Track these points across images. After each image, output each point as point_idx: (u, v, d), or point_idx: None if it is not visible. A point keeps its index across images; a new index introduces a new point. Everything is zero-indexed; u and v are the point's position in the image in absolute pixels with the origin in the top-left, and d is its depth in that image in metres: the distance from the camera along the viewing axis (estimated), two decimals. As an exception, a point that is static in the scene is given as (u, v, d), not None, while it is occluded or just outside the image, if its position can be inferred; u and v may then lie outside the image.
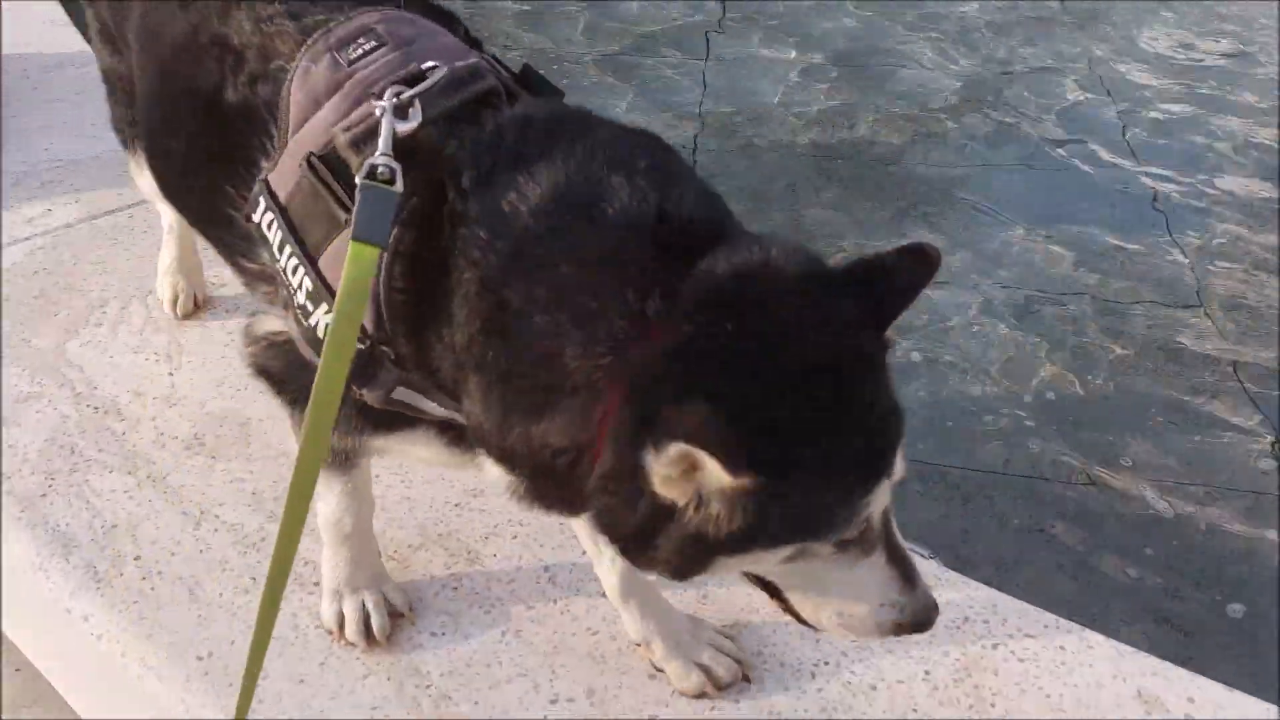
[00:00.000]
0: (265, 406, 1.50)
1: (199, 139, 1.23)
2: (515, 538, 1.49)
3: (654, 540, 0.95)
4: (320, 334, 1.03)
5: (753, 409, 0.87)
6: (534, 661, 1.33)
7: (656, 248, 0.95)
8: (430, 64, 1.07)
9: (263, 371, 1.22)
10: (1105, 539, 2.08)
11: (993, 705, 1.29)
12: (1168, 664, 1.33)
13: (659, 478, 0.89)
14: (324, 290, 1.03)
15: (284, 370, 1.19)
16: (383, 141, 1.00)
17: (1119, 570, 2.01)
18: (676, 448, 0.85)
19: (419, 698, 1.28)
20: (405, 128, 1.01)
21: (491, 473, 1.06)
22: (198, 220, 1.35)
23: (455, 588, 1.42)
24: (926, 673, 1.31)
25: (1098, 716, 1.27)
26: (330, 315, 1.00)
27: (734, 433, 0.85)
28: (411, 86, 1.04)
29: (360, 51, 1.09)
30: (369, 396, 1.07)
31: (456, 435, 1.11)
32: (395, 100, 1.01)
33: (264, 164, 1.12)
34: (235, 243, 1.21)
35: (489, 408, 0.99)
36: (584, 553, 1.38)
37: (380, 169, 0.98)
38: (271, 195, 1.08)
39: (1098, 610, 1.88)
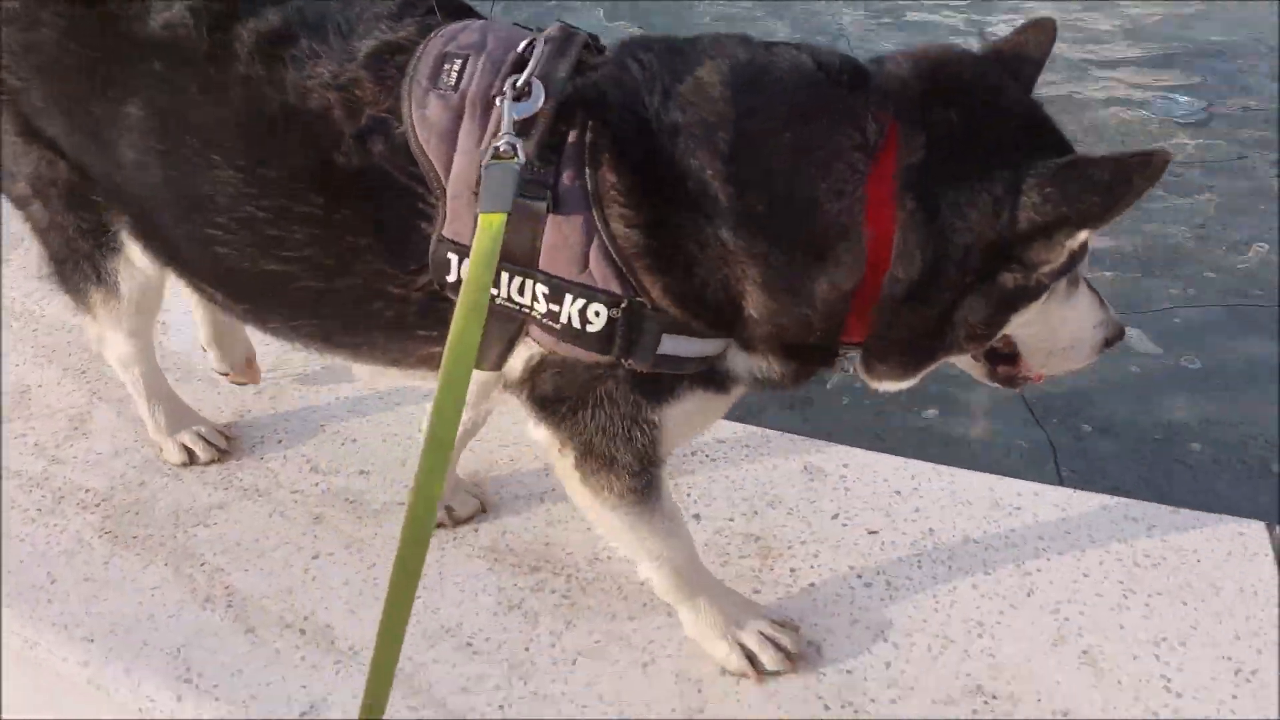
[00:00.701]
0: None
1: (330, 234, 1.13)
2: (280, 441, 1.70)
3: (950, 323, 1.05)
4: (576, 324, 1.06)
5: (1059, 164, 0.99)
6: (296, 531, 1.53)
7: (838, 89, 1.05)
8: (521, 47, 1.09)
9: (542, 400, 1.17)
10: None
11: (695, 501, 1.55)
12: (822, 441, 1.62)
13: (1059, 245, 1.00)
14: (563, 283, 1.05)
15: (557, 387, 1.16)
16: (503, 124, 1.02)
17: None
18: (1059, 223, 0.98)
19: (194, 574, 1.47)
20: (530, 108, 1.03)
21: (742, 370, 1.13)
22: (328, 337, 1.25)
23: (228, 486, 1.61)
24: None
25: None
26: (575, 302, 1.05)
27: (1083, 187, 0.97)
28: (520, 73, 1.05)
29: (454, 76, 1.08)
30: (638, 362, 1.08)
31: (713, 383, 1.15)
32: (513, 89, 1.04)
33: (425, 225, 1.09)
34: (394, 326, 1.16)
35: (775, 285, 1.04)
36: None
37: (503, 148, 1.01)
38: (456, 245, 1.07)
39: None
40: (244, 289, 1.24)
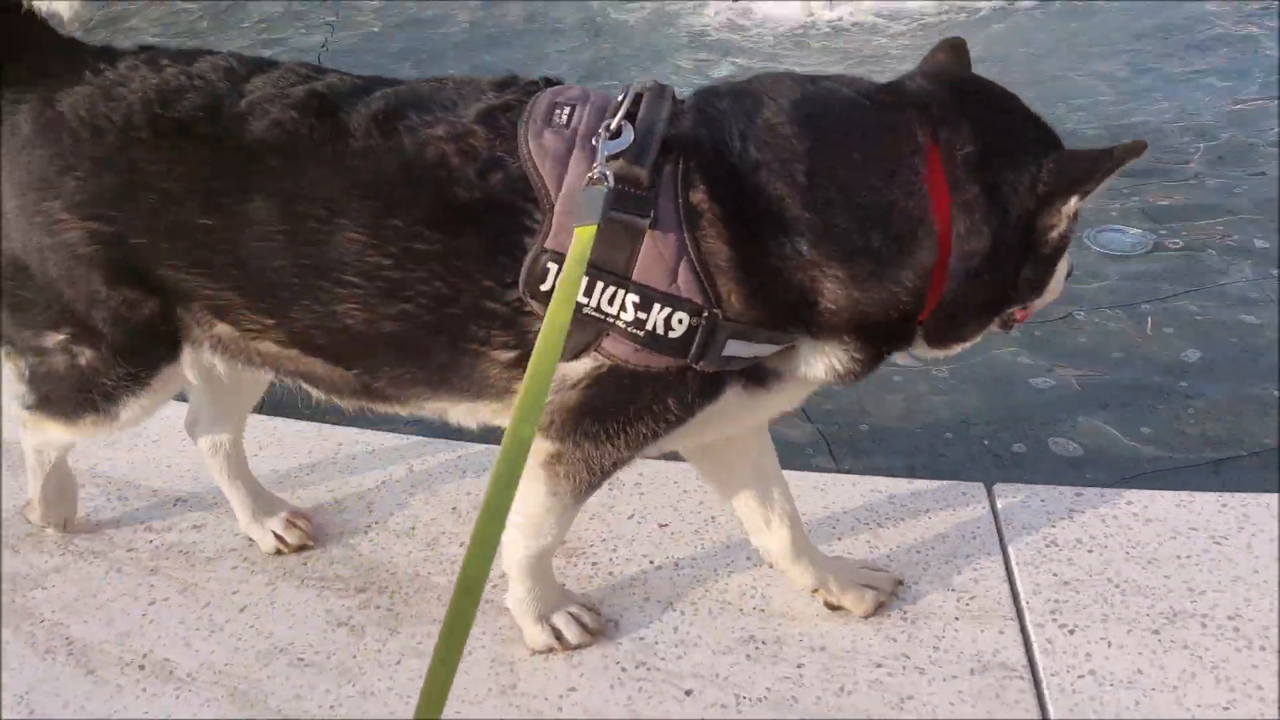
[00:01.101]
0: None
1: (446, 265, 1.26)
2: (114, 506, 1.80)
3: (1016, 283, 1.27)
4: (660, 330, 1.22)
5: (1065, 150, 1.25)
6: (132, 583, 1.64)
7: (881, 110, 1.26)
8: (620, 98, 1.27)
9: (580, 407, 1.30)
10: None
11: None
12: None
13: (1064, 217, 1.23)
14: (654, 293, 1.21)
15: (606, 397, 1.29)
16: (599, 157, 1.20)
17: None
18: (1071, 195, 1.21)
19: (34, 630, 1.55)
20: (619, 145, 1.20)
21: (820, 369, 1.30)
22: (427, 378, 1.36)
23: (64, 551, 1.70)
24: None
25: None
26: (661, 311, 1.21)
27: (1082, 171, 1.22)
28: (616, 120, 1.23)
29: (565, 118, 1.26)
30: (707, 364, 1.24)
31: (754, 381, 1.32)
32: (607, 130, 1.22)
33: (528, 239, 1.23)
34: (490, 340, 1.28)
35: (861, 278, 1.22)
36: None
37: (596, 176, 1.19)
38: (557, 255, 1.21)
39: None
40: (357, 347, 1.35)
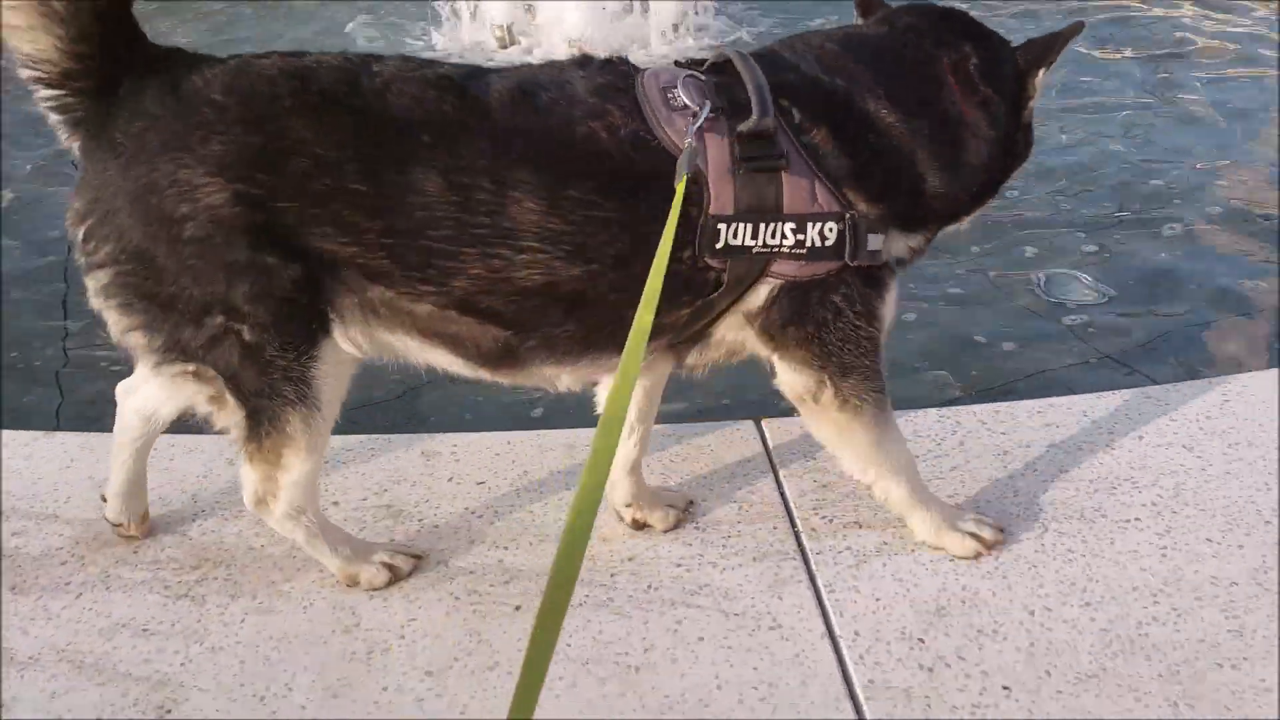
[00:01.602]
0: None
1: (625, 231, 1.42)
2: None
3: (1016, 151, 1.62)
4: (818, 243, 1.46)
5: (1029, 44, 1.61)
6: (-44, 587, 1.65)
7: (905, 40, 1.58)
8: (705, 74, 1.51)
9: (783, 324, 1.53)
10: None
11: (330, 493, 1.86)
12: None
13: (1038, 88, 1.60)
14: (804, 216, 1.46)
15: (794, 309, 1.52)
16: (696, 124, 1.41)
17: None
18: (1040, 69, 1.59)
19: None
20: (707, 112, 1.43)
21: (904, 251, 1.59)
22: (586, 336, 1.50)
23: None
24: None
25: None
26: (814, 228, 1.46)
27: (1045, 49, 1.59)
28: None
29: (680, 102, 1.45)
30: (861, 258, 1.49)
31: (892, 271, 1.58)
32: (710, 105, 1.44)
33: (693, 209, 1.42)
34: (673, 293, 1.41)
35: (948, 165, 1.54)
36: None
37: (689, 142, 1.39)
38: (722, 217, 1.44)
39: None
40: (527, 306, 1.46)
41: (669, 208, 1.34)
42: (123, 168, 1.38)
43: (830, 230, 1.48)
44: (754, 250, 1.46)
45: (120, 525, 1.74)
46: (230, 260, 1.39)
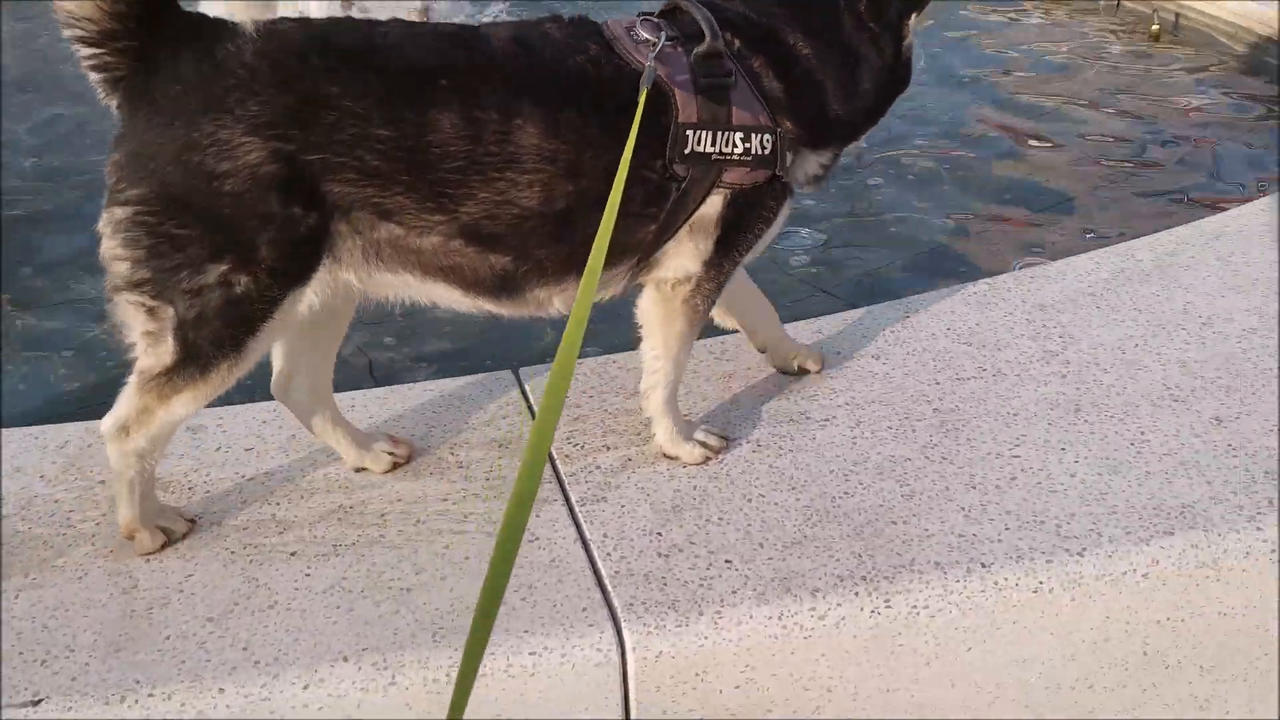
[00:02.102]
0: None
1: (611, 139, 1.60)
2: None
3: (901, 78, 1.90)
4: (759, 151, 1.73)
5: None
6: None
7: None
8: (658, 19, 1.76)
9: (724, 238, 1.79)
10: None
11: (96, 473, 1.89)
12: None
13: (911, 30, 1.86)
14: (748, 128, 1.72)
15: (736, 218, 1.79)
16: (655, 50, 1.68)
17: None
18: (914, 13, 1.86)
19: None
20: (664, 41, 1.69)
21: (812, 172, 1.87)
22: (586, 234, 1.61)
23: None
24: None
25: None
26: (756, 138, 1.73)
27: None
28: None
29: (644, 37, 1.71)
30: (782, 170, 1.77)
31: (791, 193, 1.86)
32: (669, 36, 1.70)
33: (665, 119, 1.68)
34: (644, 203, 1.70)
35: (852, 91, 1.83)
36: None
37: (650, 64, 1.64)
38: (689, 124, 1.69)
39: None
40: (526, 228, 1.66)
41: (651, 124, 1.63)
42: (164, 126, 1.52)
43: (767, 141, 1.75)
44: (712, 156, 1.72)
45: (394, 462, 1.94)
46: (262, 212, 1.54)
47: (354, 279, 1.67)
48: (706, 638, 1.59)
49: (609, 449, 1.97)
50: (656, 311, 1.86)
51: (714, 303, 1.89)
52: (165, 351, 1.60)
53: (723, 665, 1.60)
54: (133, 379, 1.64)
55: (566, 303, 1.78)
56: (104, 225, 1.58)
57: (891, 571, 1.66)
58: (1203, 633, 1.78)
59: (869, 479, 1.87)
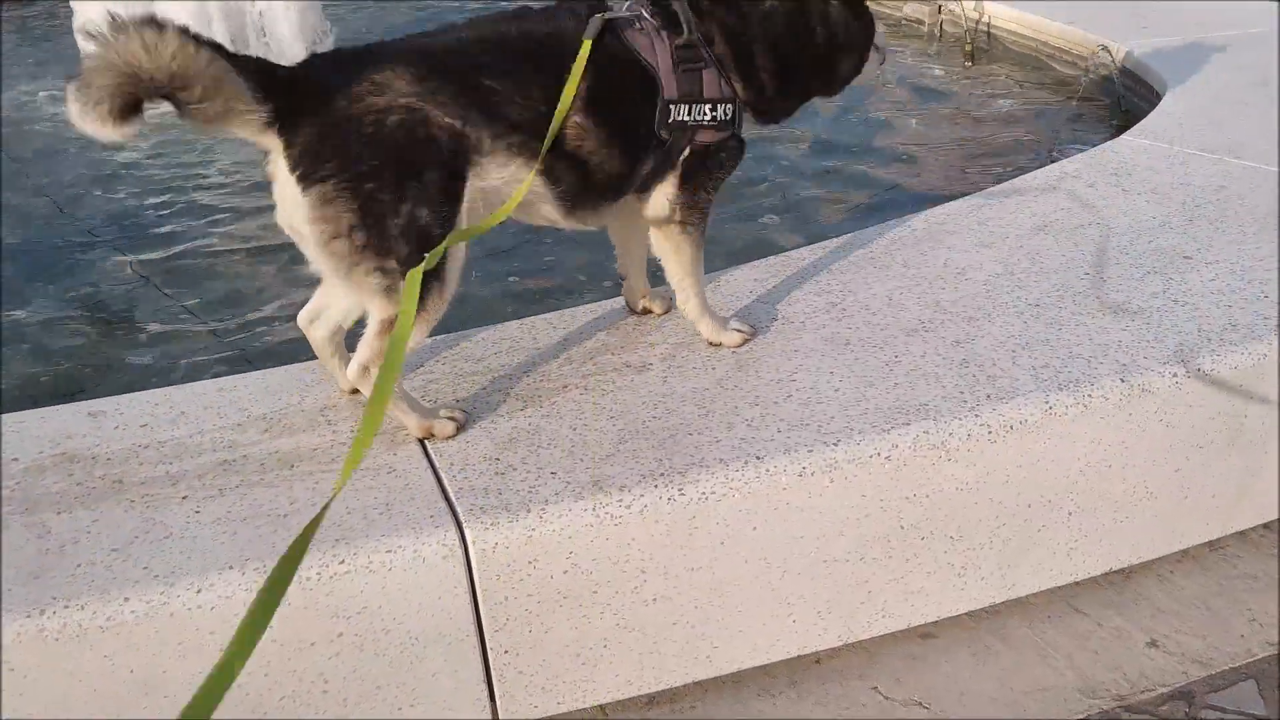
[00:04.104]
0: None
1: (635, 110, 2.19)
2: None
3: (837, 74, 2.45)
4: (723, 117, 2.26)
5: None
6: None
7: None
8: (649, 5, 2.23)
9: (687, 174, 2.30)
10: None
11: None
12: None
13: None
14: (715, 99, 2.23)
15: (701, 165, 2.31)
16: (641, 22, 2.22)
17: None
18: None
19: None
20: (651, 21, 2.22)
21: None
22: (617, 184, 2.24)
23: None
24: None
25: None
26: (721, 107, 2.25)
27: None
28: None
29: (637, 24, 2.20)
30: (738, 130, 2.32)
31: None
32: (655, 20, 2.22)
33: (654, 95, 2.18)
34: (642, 152, 2.22)
35: (782, 68, 2.32)
36: None
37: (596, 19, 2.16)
38: (673, 100, 2.19)
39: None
40: (580, 170, 2.15)
41: (642, 87, 2.18)
42: (331, 109, 1.92)
43: (729, 110, 2.25)
44: (688, 124, 2.21)
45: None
46: (426, 155, 1.96)
47: (482, 185, 2.08)
48: (534, 529, 1.95)
49: (458, 402, 2.32)
50: (664, 245, 2.38)
51: (703, 230, 2.38)
52: (398, 298, 1.95)
53: (550, 553, 1.96)
54: (371, 329, 2.07)
55: (591, 221, 2.32)
56: (311, 209, 1.93)
57: (685, 468, 2.05)
58: (946, 506, 2.20)
59: (675, 405, 2.26)
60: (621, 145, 2.17)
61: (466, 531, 1.92)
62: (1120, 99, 5.04)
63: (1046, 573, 2.39)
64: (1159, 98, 4.31)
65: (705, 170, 2.30)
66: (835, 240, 3.02)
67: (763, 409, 2.23)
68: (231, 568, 1.84)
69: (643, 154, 2.22)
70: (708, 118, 2.23)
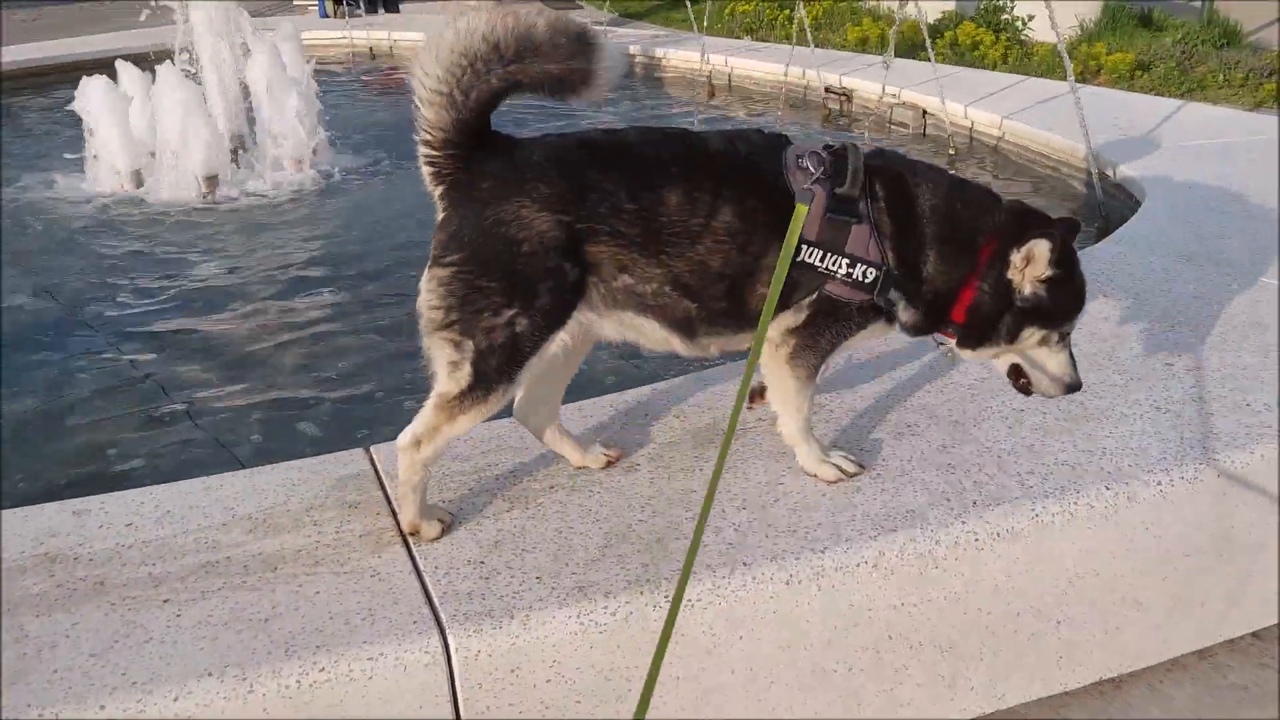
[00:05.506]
0: None
1: (764, 230, 2.10)
2: None
3: (997, 322, 2.19)
4: (860, 278, 2.13)
5: (1056, 242, 2.11)
6: None
7: (989, 196, 2.23)
8: (828, 152, 2.14)
9: (808, 320, 2.20)
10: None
11: None
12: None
13: (1014, 269, 2.14)
14: (858, 258, 2.11)
15: (824, 314, 2.19)
16: (810, 180, 2.10)
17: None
18: (1028, 244, 2.11)
19: None
20: (815, 177, 2.11)
21: (905, 317, 2.22)
22: (733, 312, 2.16)
23: None
24: None
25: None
26: (865, 268, 2.12)
27: (1053, 242, 2.10)
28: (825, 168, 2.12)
29: (807, 165, 2.11)
30: (879, 299, 2.15)
31: (885, 316, 2.22)
32: (824, 173, 2.10)
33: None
34: (755, 289, 2.13)
35: (938, 266, 2.17)
36: None
37: (809, 186, 2.09)
38: (805, 240, 2.09)
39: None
40: (708, 284, 2.11)
41: (783, 222, 2.07)
42: (480, 208, 2.00)
43: (869, 273, 2.13)
44: (818, 269, 2.12)
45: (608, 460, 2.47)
46: (546, 266, 2.01)
47: (592, 318, 2.12)
48: (518, 637, 1.93)
49: (444, 502, 2.31)
50: (771, 369, 2.29)
51: (812, 373, 2.28)
52: (463, 376, 2.05)
53: (533, 661, 1.94)
54: (431, 401, 2.09)
55: (720, 347, 2.25)
56: (426, 282, 2.04)
57: (672, 575, 2.04)
58: (935, 615, 2.19)
59: (662, 507, 2.26)
60: (744, 275, 2.13)
61: (449, 638, 1.90)
62: (1100, 205, 5.16)
63: (1037, 683, 2.36)
64: (1138, 204, 4.42)
65: (828, 320, 2.20)
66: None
67: (750, 513, 2.23)
68: (210, 674, 1.81)
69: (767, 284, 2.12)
70: (842, 272, 2.13)
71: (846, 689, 2.18)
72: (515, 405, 2.34)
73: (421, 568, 2.09)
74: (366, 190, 6.87)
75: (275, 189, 6.81)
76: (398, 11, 14.68)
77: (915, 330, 2.26)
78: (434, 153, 2.02)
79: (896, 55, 8.24)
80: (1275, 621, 2.59)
